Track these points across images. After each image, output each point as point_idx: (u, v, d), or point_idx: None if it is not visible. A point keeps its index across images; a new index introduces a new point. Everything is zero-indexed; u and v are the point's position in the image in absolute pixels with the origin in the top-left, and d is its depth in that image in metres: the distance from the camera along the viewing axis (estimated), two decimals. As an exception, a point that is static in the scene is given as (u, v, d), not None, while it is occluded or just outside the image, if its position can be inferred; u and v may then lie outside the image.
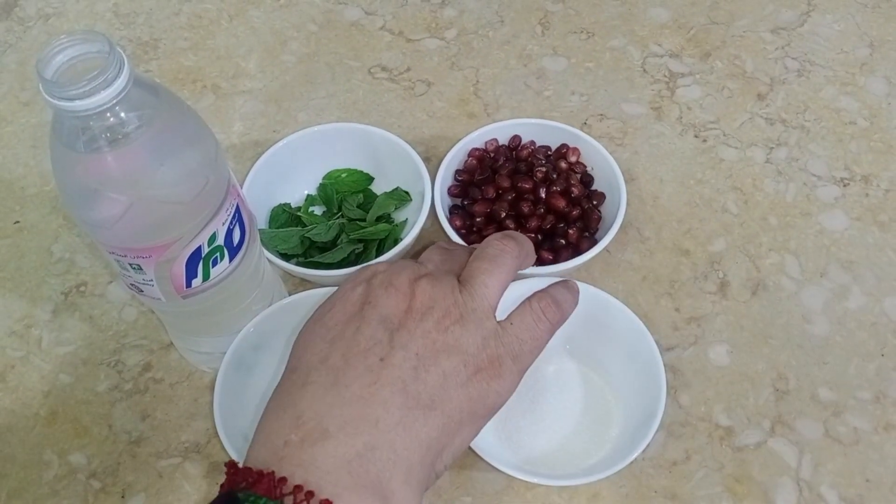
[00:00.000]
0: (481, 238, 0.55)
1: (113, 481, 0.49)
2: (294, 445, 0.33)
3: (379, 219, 0.57)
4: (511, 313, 0.41)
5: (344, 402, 0.34)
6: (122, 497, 0.48)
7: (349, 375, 0.35)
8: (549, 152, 0.59)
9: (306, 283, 0.56)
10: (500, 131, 0.59)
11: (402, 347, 0.36)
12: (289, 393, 0.36)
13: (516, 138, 0.60)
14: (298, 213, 0.58)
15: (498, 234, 0.43)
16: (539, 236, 0.55)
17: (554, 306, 0.42)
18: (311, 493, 0.31)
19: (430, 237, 0.58)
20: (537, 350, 0.41)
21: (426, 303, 0.37)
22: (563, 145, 0.59)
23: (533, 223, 0.54)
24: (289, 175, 0.59)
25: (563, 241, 0.54)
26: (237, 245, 0.43)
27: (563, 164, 0.58)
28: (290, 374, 0.37)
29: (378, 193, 0.59)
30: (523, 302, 0.42)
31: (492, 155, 0.59)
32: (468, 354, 0.37)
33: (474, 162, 0.58)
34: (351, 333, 0.36)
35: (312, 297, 0.50)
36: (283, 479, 0.32)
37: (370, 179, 0.60)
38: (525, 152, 0.59)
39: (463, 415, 0.36)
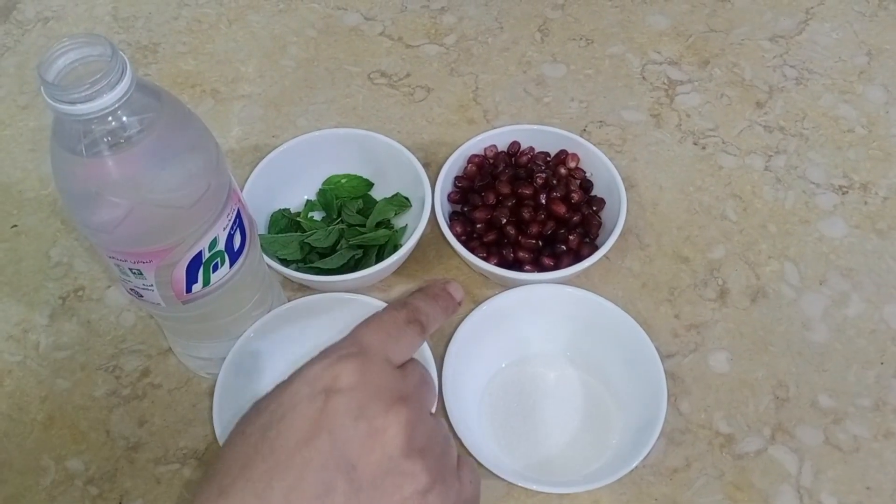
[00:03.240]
0: (482, 245, 0.55)
1: (110, 487, 0.49)
2: None
3: (379, 224, 0.57)
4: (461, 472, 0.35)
5: None
6: (120, 503, 0.48)
7: None
8: (549, 158, 0.59)
9: (306, 289, 0.55)
10: (499, 137, 0.59)
11: None
12: None
13: (515, 144, 0.60)
14: (298, 219, 0.58)
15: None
16: (540, 242, 0.55)
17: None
18: None
19: (430, 243, 0.58)
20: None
21: (406, 450, 0.31)
22: (563, 151, 0.59)
23: (534, 229, 0.54)
24: (288, 180, 0.59)
25: (563, 247, 0.54)
26: (238, 250, 0.43)
27: (563, 170, 0.58)
28: (217, 499, 0.30)
29: (378, 199, 0.59)
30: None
31: (491, 161, 0.59)
32: None
33: (474, 168, 0.58)
34: (299, 466, 0.30)
35: (312, 303, 0.50)
36: None
37: (370, 185, 0.60)
38: (524, 158, 0.59)
39: None
